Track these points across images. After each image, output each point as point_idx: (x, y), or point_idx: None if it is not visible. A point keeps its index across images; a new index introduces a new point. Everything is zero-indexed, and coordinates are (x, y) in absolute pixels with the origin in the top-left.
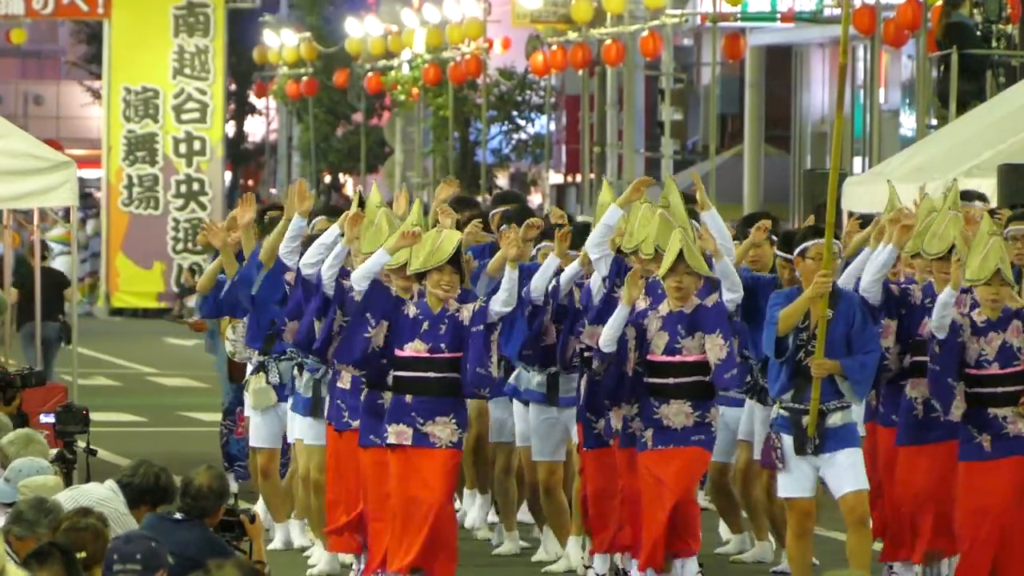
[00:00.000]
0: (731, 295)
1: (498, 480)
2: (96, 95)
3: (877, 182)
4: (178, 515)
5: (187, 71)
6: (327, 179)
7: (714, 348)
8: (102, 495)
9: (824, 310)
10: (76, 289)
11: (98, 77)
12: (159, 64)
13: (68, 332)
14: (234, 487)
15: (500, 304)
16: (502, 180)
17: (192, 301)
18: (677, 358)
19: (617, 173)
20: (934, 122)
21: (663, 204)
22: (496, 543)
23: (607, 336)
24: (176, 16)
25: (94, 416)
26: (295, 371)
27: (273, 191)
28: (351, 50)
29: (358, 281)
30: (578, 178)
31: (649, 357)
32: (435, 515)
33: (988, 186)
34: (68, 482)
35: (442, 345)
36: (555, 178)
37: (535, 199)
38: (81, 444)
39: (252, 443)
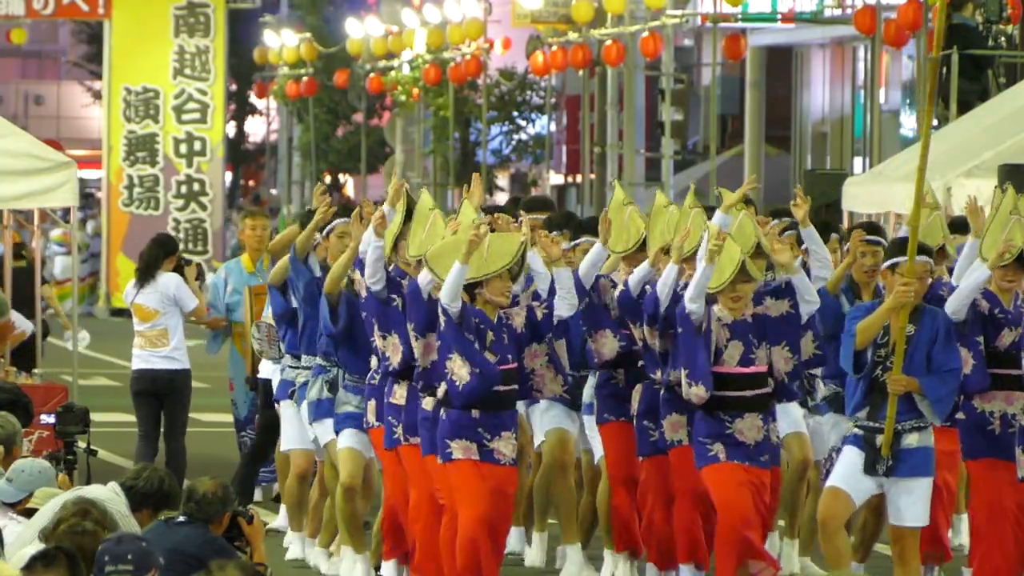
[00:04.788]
0: (809, 308)
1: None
2: (96, 95)
3: (877, 182)
4: (181, 518)
5: (187, 71)
6: (327, 179)
7: (780, 360)
8: (104, 497)
9: (904, 323)
10: (76, 289)
11: (98, 77)
12: (159, 64)
13: (46, 328)
14: (256, 494)
15: (566, 309)
16: (503, 180)
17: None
18: (751, 369)
19: (617, 173)
20: (935, 122)
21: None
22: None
23: (694, 292)
24: (176, 16)
25: (95, 416)
26: (323, 382)
27: (273, 191)
28: (351, 50)
29: (450, 301)
30: (578, 178)
31: (719, 369)
32: (492, 536)
33: (988, 187)
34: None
35: (508, 356)
36: (555, 178)
37: None
38: (82, 444)
39: (285, 446)
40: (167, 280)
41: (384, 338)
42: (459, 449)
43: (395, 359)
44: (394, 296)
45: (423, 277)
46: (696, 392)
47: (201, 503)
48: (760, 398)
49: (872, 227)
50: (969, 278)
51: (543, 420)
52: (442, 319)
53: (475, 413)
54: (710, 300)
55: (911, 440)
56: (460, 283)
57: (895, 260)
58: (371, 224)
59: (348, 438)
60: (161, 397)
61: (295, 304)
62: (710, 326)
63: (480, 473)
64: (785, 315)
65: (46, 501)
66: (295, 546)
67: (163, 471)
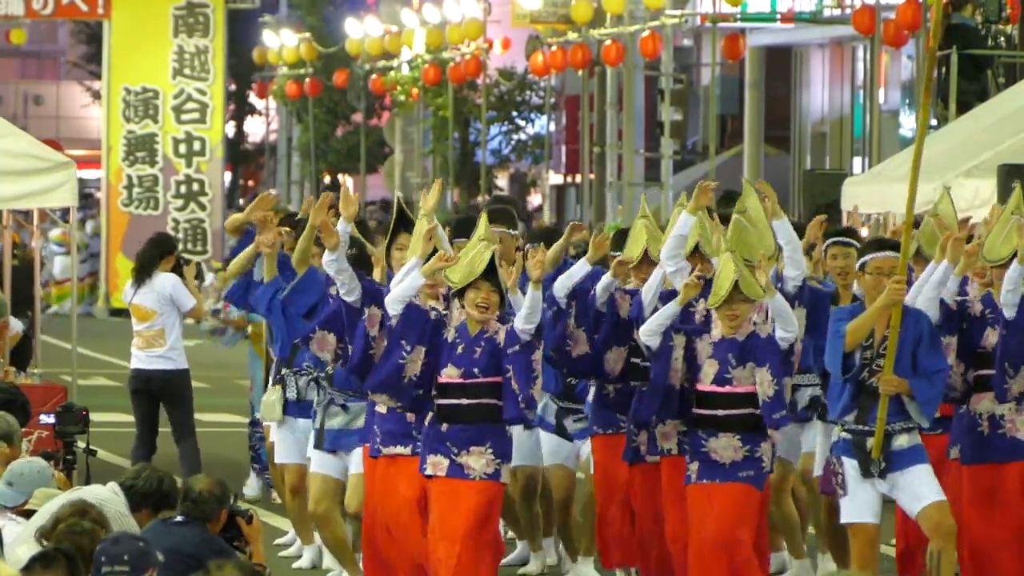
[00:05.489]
0: (784, 334)
1: (520, 502)
2: (96, 95)
3: (877, 182)
4: (179, 518)
5: (187, 71)
6: (327, 179)
7: (763, 384)
8: (104, 496)
9: (898, 322)
10: (76, 289)
11: (98, 77)
12: (159, 64)
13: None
14: (254, 490)
15: (523, 321)
16: (502, 181)
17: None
18: (727, 388)
19: (617, 174)
20: (934, 122)
21: (740, 210)
22: (520, 561)
23: (650, 327)
24: (176, 16)
25: (94, 416)
26: (313, 387)
27: (273, 191)
28: (351, 50)
29: (392, 304)
30: (578, 178)
31: (698, 387)
32: (463, 548)
33: (988, 187)
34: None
35: (475, 370)
36: (555, 179)
37: (535, 200)
38: (81, 444)
39: (278, 459)
40: (164, 280)
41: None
42: (431, 465)
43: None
44: (365, 309)
45: (345, 294)
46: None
47: (197, 502)
48: (736, 419)
49: (846, 231)
50: (932, 277)
51: (546, 451)
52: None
53: (444, 427)
54: (695, 331)
55: (901, 441)
56: (410, 291)
57: (864, 260)
58: (324, 240)
59: (316, 462)
60: (158, 397)
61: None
62: (670, 353)
63: (441, 496)
64: (769, 337)
65: (44, 501)
66: (306, 556)
67: (162, 471)
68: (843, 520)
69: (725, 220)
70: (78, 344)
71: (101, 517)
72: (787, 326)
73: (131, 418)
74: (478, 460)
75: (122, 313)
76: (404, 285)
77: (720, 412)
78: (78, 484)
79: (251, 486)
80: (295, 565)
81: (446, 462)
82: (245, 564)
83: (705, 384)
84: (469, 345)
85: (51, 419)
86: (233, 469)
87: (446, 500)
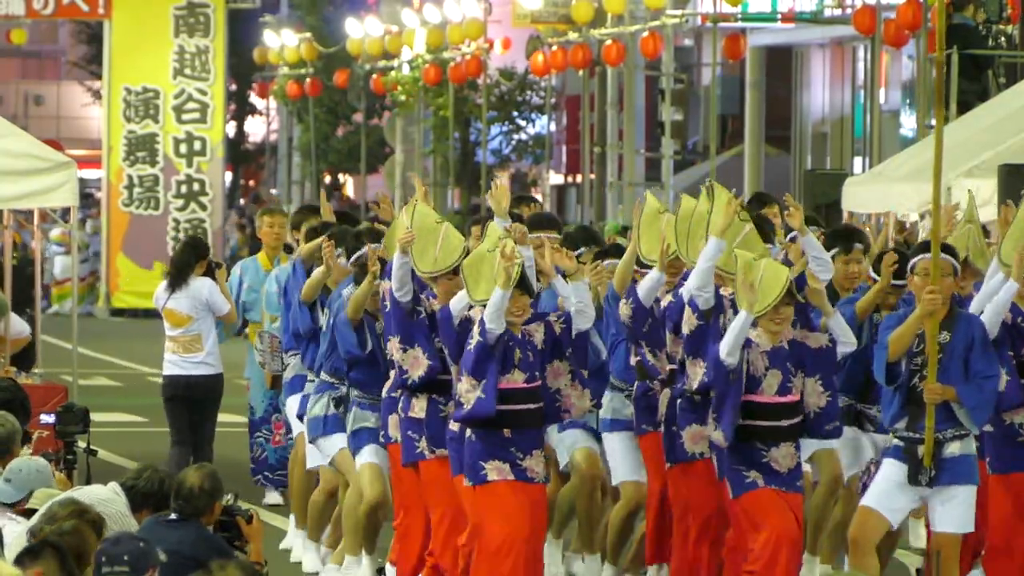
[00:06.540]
0: (845, 348)
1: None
2: (96, 95)
3: (877, 182)
4: (172, 516)
5: (187, 71)
6: (327, 179)
7: (814, 395)
8: (104, 496)
9: (935, 330)
10: (76, 289)
11: (98, 77)
12: (159, 64)
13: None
14: (276, 498)
15: (583, 321)
16: (503, 181)
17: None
18: (788, 398)
19: (617, 174)
20: (933, 122)
21: (744, 218)
22: None
23: (731, 344)
24: (176, 16)
25: (94, 416)
26: (330, 399)
27: (273, 191)
28: (351, 50)
29: (496, 324)
30: (578, 178)
31: (755, 398)
32: (531, 554)
33: (988, 187)
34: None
35: (536, 373)
36: (555, 178)
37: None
38: (81, 444)
39: (311, 464)
40: (200, 285)
41: (404, 351)
42: (493, 470)
43: (415, 372)
44: (420, 308)
45: (456, 302)
46: (717, 437)
47: (188, 498)
48: (796, 428)
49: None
50: (997, 295)
51: (566, 442)
52: (475, 340)
53: (507, 432)
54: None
55: (953, 449)
56: (504, 305)
57: (913, 261)
58: (398, 242)
59: (370, 454)
60: (193, 402)
61: (322, 323)
62: (742, 368)
63: (515, 492)
64: (824, 348)
65: (46, 502)
66: (310, 556)
67: (163, 471)
68: (863, 502)
69: (758, 220)
70: (78, 344)
71: (99, 518)
72: (848, 343)
73: (131, 417)
74: (538, 463)
75: (123, 313)
76: (495, 303)
77: (784, 423)
78: (78, 484)
79: (270, 497)
80: (305, 568)
81: (507, 466)
82: (245, 563)
83: (768, 395)
84: (523, 349)
85: (51, 419)
86: (232, 469)
87: (526, 504)
